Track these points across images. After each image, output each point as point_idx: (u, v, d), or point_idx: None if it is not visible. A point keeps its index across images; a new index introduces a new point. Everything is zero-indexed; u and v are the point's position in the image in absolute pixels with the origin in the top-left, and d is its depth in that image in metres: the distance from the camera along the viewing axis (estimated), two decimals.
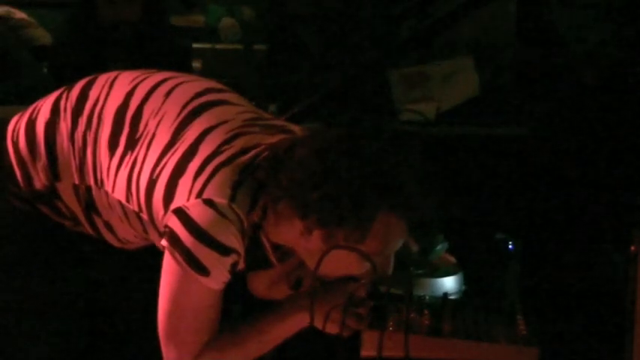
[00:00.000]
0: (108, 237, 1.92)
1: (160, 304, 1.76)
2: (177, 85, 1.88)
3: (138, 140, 1.81)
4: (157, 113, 1.83)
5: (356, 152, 1.67)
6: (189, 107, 1.83)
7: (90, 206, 1.87)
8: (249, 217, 1.72)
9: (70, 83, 1.97)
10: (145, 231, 1.84)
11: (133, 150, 1.80)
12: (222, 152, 1.74)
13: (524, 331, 1.83)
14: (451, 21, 3.29)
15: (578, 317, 2.83)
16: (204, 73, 4.04)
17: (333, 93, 3.28)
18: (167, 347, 1.78)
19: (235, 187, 1.71)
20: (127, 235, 1.90)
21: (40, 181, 1.87)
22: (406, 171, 1.68)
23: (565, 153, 3.29)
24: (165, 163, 1.75)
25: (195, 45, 4.35)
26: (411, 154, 1.71)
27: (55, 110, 1.90)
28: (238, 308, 1.97)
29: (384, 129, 1.77)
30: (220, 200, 1.69)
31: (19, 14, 4.38)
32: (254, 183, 1.72)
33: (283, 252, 1.81)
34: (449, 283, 2.17)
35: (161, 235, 1.75)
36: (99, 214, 1.88)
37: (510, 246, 2.31)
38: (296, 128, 1.88)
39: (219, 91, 1.91)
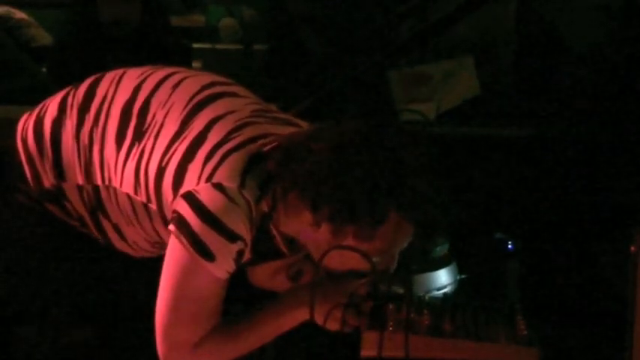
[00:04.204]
0: (116, 241, 1.92)
1: (161, 290, 1.76)
2: (184, 78, 1.90)
3: (145, 131, 1.81)
4: (164, 105, 1.84)
5: (372, 149, 1.67)
6: (197, 98, 1.84)
7: (97, 208, 1.87)
8: (257, 206, 1.72)
9: (69, 83, 1.98)
10: (154, 228, 1.84)
11: (140, 141, 1.81)
12: (231, 139, 1.75)
13: (524, 331, 1.83)
14: (451, 21, 3.29)
15: (578, 317, 2.83)
16: None
17: (333, 93, 3.28)
18: (164, 339, 1.76)
19: (244, 174, 1.71)
20: (137, 239, 1.90)
21: (48, 179, 1.88)
22: (419, 171, 1.68)
23: (565, 153, 3.30)
24: (174, 151, 1.76)
25: (195, 45, 4.36)
26: (423, 155, 1.71)
27: (62, 108, 1.91)
28: (238, 308, 1.97)
29: (398, 127, 1.77)
30: (230, 185, 1.70)
31: (19, 14, 4.38)
32: (263, 172, 1.73)
33: (294, 244, 1.81)
34: (443, 275, 2.18)
35: (169, 222, 1.75)
36: (107, 217, 1.88)
37: (510, 246, 2.32)
38: (303, 123, 1.89)
39: (226, 84, 1.93)
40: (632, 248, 1.79)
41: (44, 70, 3.96)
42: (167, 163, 1.76)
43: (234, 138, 1.75)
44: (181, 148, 1.76)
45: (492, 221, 3.07)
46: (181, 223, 1.71)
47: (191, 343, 1.77)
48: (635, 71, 3.45)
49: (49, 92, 2.00)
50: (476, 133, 3.36)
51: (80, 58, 3.66)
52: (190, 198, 1.70)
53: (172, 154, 1.76)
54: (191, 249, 1.71)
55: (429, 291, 2.19)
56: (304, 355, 2.42)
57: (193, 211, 1.70)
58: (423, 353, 1.78)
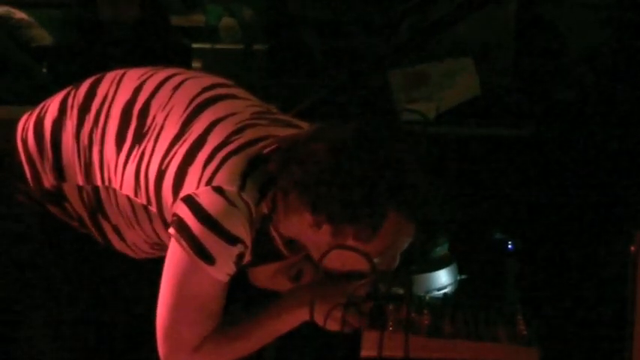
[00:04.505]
0: (116, 243, 1.92)
1: (162, 294, 1.76)
2: (185, 80, 1.89)
3: (145, 134, 1.81)
4: (164, 107, 1.83)
5: (371, 150, 1.67)
6: (198, 100, 1.84)
7: (97, 209, 1.87)
8: (258, 208, 1.73)
9: (69, 83, 1.98)
10: (154, 230, 1.84)
11: (140, 143, 1.81)
12: (231, 142, 1.75)
13: (524, 331, 1.83)
14: (451, 21, 3.29)
15: (578, 317, 2.83)
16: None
17: (333, 93, 3.28)
18: (164, 341, 1.76)
19: (244, 177, 1.71)
20: (136, 240, 1.90)
21: (48, 180, 1.88)
22: (418, 171, 1.68)
23: (564, 153, 3.30)
24: (175, 154, 1.76)
25: (195, 45, 4.36)
26: (422, 155, 1.71)
27: (63, 108, 1.90)
28: (238, 308, 1.97)
29: (397, 127, 1.77)
30: (230, 188, 1.69)
31: (19, 14, 4.38)
32: (263, 174, 1.73)
33: (294, 246, 1.81)
34: (444, 276, 2.18)
35: (169, 225, 1.75)
36: (107, 218, 1.88)
37: (510, 246, 2.32)
38: (303, 124, 1.89)
39: (226, 86, 1.92)
40: (632, 248, 1.80)
41: (44, 70, 3.96)
42: (167, 165, 1.76)
43: (234, 141, 1.75)
44: (181, 150, 1.76)
45: (492, 221, 3.07)
46: (181, 226, 1.71)
47: (192, 345, 1.77)
48: (634, 71, 3.45)
49: (49, 92, 2.00)
50: (476, 133, 3.36)
51: (80, 58, 3.66)
52: (190, 201, 1.70)
53: (172, 157, 1.76)
54: (191, 252, 1.71)
55: (429, 291, 2.19)
56: (304, 355, 2.42)
57: (193, 215, 1.70)
58: (423, 353, 1.78)
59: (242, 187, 1.70)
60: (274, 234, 1.78)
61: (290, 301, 1.82)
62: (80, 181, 1.86)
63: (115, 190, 1.83)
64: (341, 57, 4.00)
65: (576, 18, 3.66)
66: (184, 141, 1.77)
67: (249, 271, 2.00)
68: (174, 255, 1.74)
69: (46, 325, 1.94)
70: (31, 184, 1.89)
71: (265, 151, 1.75)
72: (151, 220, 1.83)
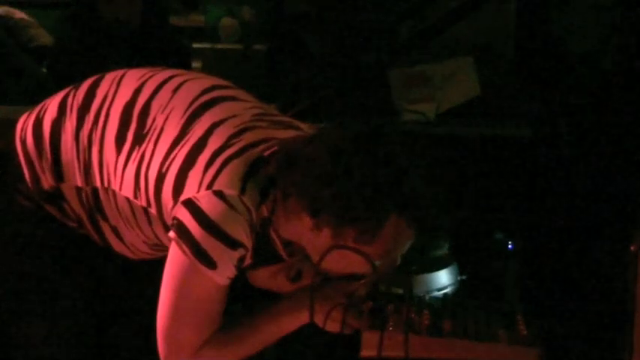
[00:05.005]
0: (115, 244, 1.91)
1: (162, 297, 1.76)
2: (185, 82, 1.89)
3: (145, 135, 1.81)
4: (164, 109, 1.83)
5: (371, 153, 1.67)
6: (197, 103, 1.83)
7: (96, 210, 1.87)
8: (258, 211, 1.73)
9: (69, 83, 1.97)
10: (154, 232, 1.83)
11: (140, 145, 1.80)
12: (231, 145, 1.75)
13: (524, 331, 1.83)
14: (451, 21, 3.30)
15: (578, 317, 2.83)
16: (203, 73, 4.03)
17: (333, 93, 3.29)
18: (165, 343, 1.76)
19: (245, 180, 1.71)
20: (135, 241, 1.90)
21: (47, 181, 1.88)
22: (419, 174, 1.68)
23: (564, 153, 3.30)
24: (175, 156, 1.75)
25: (195, 45, 4.37)
26: (423, 157, 1.71)
27: (62, 109, 1.90)
28: (238, 309, 1.97)
29: (397, 129, 1.77)
30: (230, 192, 1.69)
31: (19, 14, 4.38)
32: (264, 177, 1.72)
33: (293, 248, 1.81)
34: (444, 276, 2.18)
35: (169, 228, 1.75)
36: (106, 219, 1.87)
37: (510, 246, 2.32)
38: (304, 125, 1.88)
39: (226, 87, 1.92)
40: (632, 248, 1.80)
41: (44, 70, 3.96)
42: (167, 168, 1.75)
43: (234, 144, 1.75)
44: (181, 153, 1.75)
45: (492, 221, 3.07)
46: (182, 230, 1.71)
47: (192, 347, 1.77)
48: (634, 71, 3.45)
49: (49, 92, 2.00)
50: (476, 133, 3.37)
51: (80, 58, 3.66)
52: (191, 205, 1.70)
53: (172, 160, 1.75)
54: (192, 256, 1.71)
55: (429, 291, 2.19)
56: (304, 355, 2.42)
57: (194, 219, 1.69)
58: (423, 353, 1.78)
59: (243, 191, 1.70)
60: (274, 236, 1.78)
61: (290, 304, 1.82)
62: (79, 182, 1.86)
63: (114, 192, 1.83)
64: (341, 57, 4.00)
65: (576, 18, 3.66)
66: (184, 144, 1.76)
67: (249, 272, 2.00)
68: (175, 258, 1.73)
69: (45, 326, 1.94)
70: (30, 185, 1.89)
71: (265, 153, 1.74)
72: (150, 222, 1.83)
